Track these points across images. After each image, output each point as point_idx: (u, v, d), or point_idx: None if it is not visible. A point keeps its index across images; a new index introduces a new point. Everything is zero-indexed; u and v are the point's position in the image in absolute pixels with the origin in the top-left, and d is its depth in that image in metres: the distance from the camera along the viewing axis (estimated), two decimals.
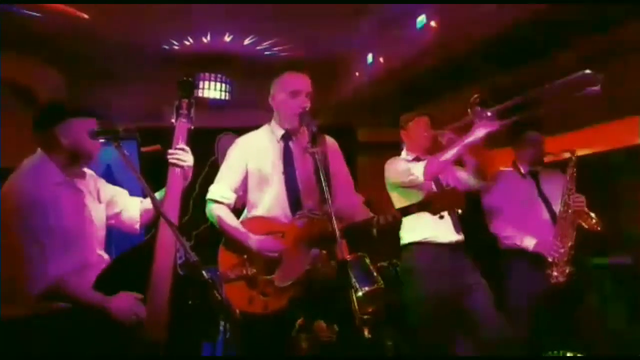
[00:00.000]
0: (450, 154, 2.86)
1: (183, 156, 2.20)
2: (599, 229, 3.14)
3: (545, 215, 3.28)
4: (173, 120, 2.32)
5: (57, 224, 2.01)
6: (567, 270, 3.09)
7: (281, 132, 2.58)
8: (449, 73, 4.25)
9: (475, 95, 2.85)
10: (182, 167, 2.20)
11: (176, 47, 4.14)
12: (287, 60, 4.21)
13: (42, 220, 1.98)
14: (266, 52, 4.26)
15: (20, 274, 1.96)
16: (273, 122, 2.62)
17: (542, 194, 3.33)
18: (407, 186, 3.00)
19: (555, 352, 3.28)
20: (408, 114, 3.28)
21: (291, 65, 2.65)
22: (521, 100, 2.74)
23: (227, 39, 4.03)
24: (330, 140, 2.61)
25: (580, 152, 3.34)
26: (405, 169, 3.02)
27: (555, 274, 3.10)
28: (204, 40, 4.04)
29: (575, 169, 3.21)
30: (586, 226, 3.15)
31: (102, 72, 4.56)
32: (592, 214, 3.15)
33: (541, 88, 2.68)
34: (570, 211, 3.17)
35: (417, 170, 2.93)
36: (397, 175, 3.08)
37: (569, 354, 3.43)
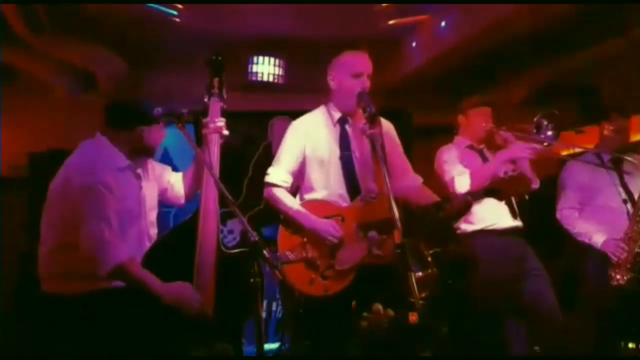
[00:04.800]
0: (491, 167, 2.88)
1: (224, 126, 2.31)
2: None
3: (624, 210, 3.06)
4: (206, 100, 2.36)
5: (118, 207, 2.08)
6: (628, 276, 2.93)
7: (338, 115, 2.56)
8: (509, 55, 4.09)
9: (538, 116, 2.85)
10: (224, 135, 2.31)
11: (230, 29, 4.14)
12: (342, 40, 4.14)
13: (106, 202, 2.05)
14: (319, 34, 4.20)
15: (86, 254, 2.03)
16: (331, 104, 2.60)
17: (624, 186, 3.09)
18: None
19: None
20: (471, 100, 3.18)
21: (348, 45, 2.60)
22: None
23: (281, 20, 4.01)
24: (385, 122, 2.55)
25: None
26: (450, 177, 2.94)
27: (617, 276, 2.96)
28: (257, 21, 4.03)
29: None
30: None
31: (163, 57, 4.63)
32: None
33: None
34: None
35: (463, 185, 2.83)
36: (441, 175, 3.01)
37: None
